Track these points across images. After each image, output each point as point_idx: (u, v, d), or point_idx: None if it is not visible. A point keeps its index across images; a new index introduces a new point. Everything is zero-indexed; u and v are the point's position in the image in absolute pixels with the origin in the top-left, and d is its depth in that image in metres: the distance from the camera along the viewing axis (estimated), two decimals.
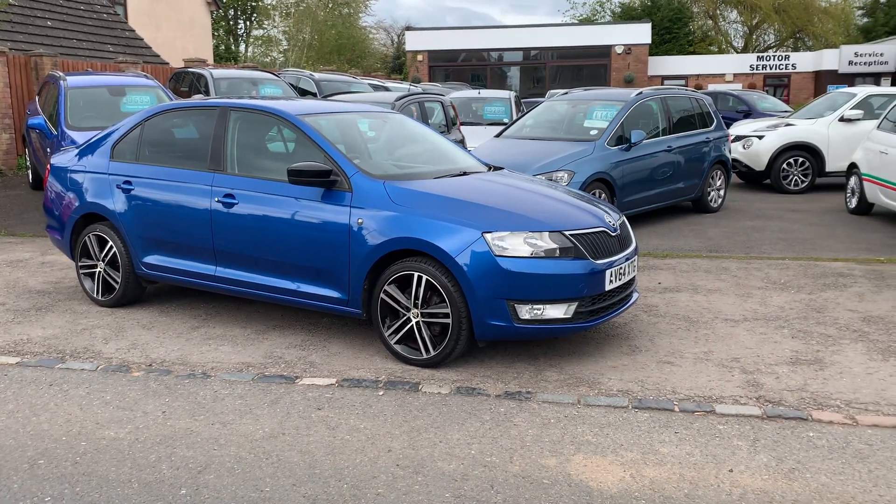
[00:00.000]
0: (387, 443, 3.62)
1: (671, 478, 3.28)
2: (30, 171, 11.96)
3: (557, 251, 4.37)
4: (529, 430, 3.75)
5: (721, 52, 36.21)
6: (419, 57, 31.06)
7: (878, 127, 10.06)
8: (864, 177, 9.99)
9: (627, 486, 3.21)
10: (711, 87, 25.43)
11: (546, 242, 4.37)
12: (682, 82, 28.64)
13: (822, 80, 28.98)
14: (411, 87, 14.84)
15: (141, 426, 3.80)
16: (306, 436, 3.70)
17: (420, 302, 4.48)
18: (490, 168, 5.60)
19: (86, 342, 5.08)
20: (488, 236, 4.32)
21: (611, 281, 4.58)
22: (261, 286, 5.08)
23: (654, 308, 5.81)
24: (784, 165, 12.48)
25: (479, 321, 4.35)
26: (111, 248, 5.76)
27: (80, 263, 5.98)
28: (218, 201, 5.15)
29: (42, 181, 11.28)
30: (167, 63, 21.50)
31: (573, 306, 4.39)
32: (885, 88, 13.13)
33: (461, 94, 14.93)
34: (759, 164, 12.58)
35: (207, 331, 5.32)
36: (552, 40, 30.93)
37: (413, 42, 31.88)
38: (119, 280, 5.77)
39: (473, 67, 33.27)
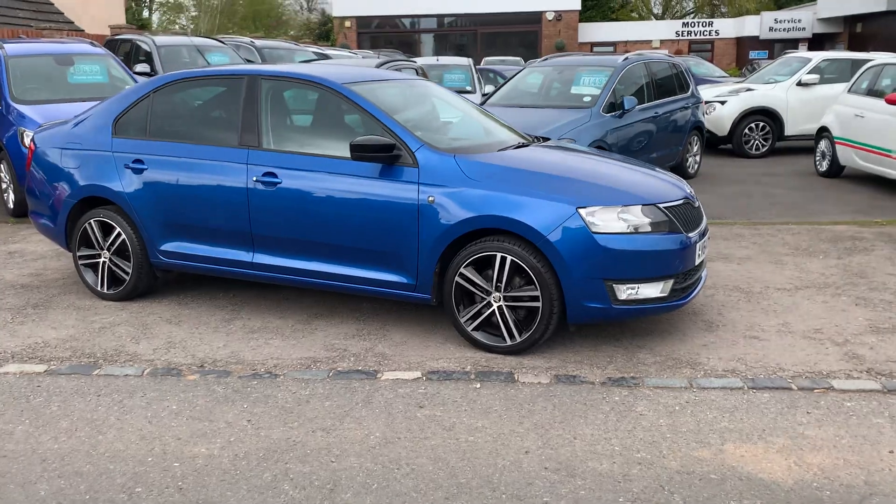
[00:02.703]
0: (518, 443, 3.31)
1: (837, 464, 3.11)
2: None
3: (651, 225, 4.12)
4: (659, 419, 3.51)
5: (642, 18, 36.66)
6: (347, 23, 30.07)
7: (849, 90, 10.24)
8: (836, 140, 10.17)
9: (800, 476, 3.02)
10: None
11: (639, 217, 4.11)
12: (612, 49, 28.88)
13: (744, 47, 29.77)
14: (382, 54, 14.26)
15: (232, 440, 3.36)
16: (425, 439, 3.35)
17: (503, 285, 4.15)
18: (537, 139, 5.28)
19: (113, 343, 4.52)
20: (583, 211, 4.02)
21: (699, 255, 4.38)
22: (309, 273, 4.63)
23: None
24: (746, 130, 12.64)
25: (573, 304, 4.06)
26: (118, 234, 5.16)
27: (79, 253, 5.34)
28: (256, 181, 4.64)
29: None
30: (82, 30, 20.04)
31: (669, 283, 4.16)
32: (837, 53, 13.45)
33: (419, 61, 14.43)
34: (722, 129, 12.70)
35: (245, 323, 4.83)
36: (482, 6, 30.45)
37: (340, 7, 30.76)
38: (129, 270, 5.18)
39: (402, 34, 32.52)
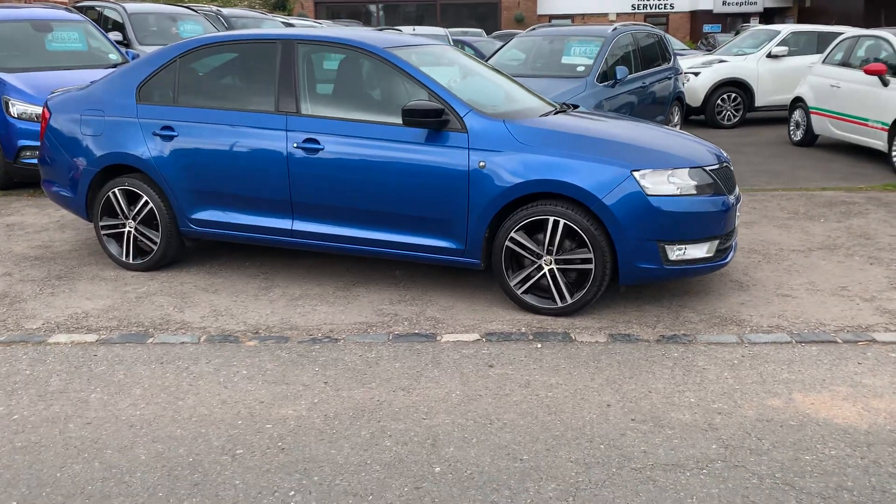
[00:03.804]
0: (596, 397, 3.41)
1: None
2: None
3: (696, 188, 4.25)
4: (723, 373, 3.66)
5: None
6: None
7: (824, 61, 10.56)
8: (811, 110, 10.49)
9: (872, 420, 3.20)
10: None
11: (685, 180, 4.23)
12: (569, 21, 29.02)
13: (698, 20, 30.29)
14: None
15: (316, 401, 3.38)
16: (505, 396, 3.43)
17: (555, 248, 4.23)
18: (567, 106, 5.34)
19: (157, 312, 4.46)
20: (637, 174, 4.12)
21: (737, 215, 4.53)
22: (352, 239, 4.63)
23: None
24: (718, 101, 12.93)
25: (626, 265, 4.17)
26: (145, 203, 5.06)
27: (101, 223, 5.23)
28: (297, 147, 4.61)
29: None
30: None
31: (715, 244, 4.31)
32: (805, 26, 13.82)
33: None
34: (696, 100, 12.94)
35: (283, 291, 4.82)
36: None
37: None
38: (156, 240, 5.10)
39: (359, 4, 31.99)
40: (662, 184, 4.16)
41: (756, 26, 15.85)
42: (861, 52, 9.94)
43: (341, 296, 4.73)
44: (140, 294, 4.77)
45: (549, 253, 4.25)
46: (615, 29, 9.57)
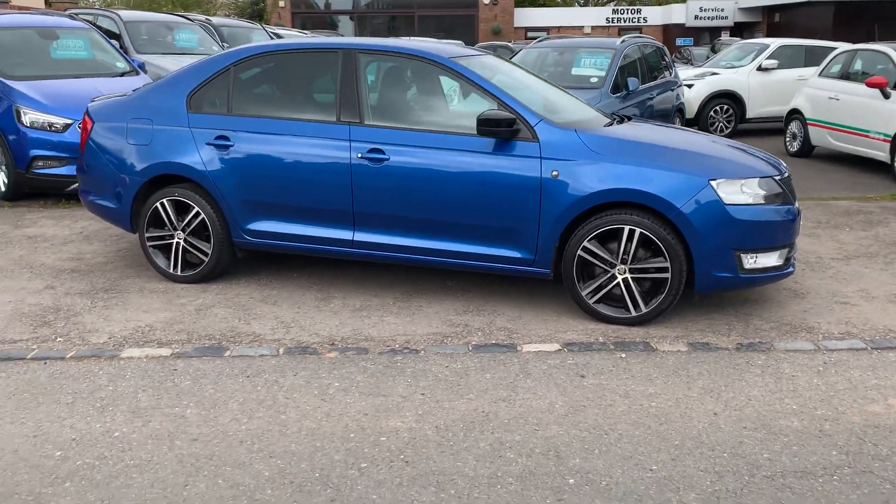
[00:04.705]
0: (700, 406, 3.43)
1: None
2: None
3: (765, 198, 4.30)
4: (812, 379, 3.70)
5: (566, 4, 37.31)
6: (281, 3, 29.31)
7: (820, 74, 10.81)
8: (809, 121, 10.72)
9: None
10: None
11: (756, 189, 4.29)
12: (545, 34, 29.30)
13: (671, 34, 30.83)
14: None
15: (421, 413, 3.34)
16: (609, 406, 3.42)
17: (629, 257, 4.25)
18: (621, 117, 5.37)
19: (223, 325, 4.37)
20: (713, 183, 4.16)
21: (801, 224, 4.60)
22: (416, 250, 4.59)
23: None
24: (711, 113, 13.15)
25: (703, 274, 4.20)
26: (197, 214, 4.96)
27: (147, 234, 5.10)
28: (361, 157, 4.56)
29: None
30: (7, 1, 18.96)
31: (785, 252, 4.37)
32: (793, 40, 14.16)
33: None
34: (690, 111, 13.13)
35: (343, 302, 4.76)
36: None
37: None
38: (208, 251, 4.99)
39: (337, 14, 31.82)
40: (736, 193, 4.21)
41: (739, 40, 16.19)
42: (858, 66, 10.20)
43: (403, 306, 4.68)
44: (198, 306, 4.67)
45: (623, 262, 4.27)
46: (623, 41, 9.70)
